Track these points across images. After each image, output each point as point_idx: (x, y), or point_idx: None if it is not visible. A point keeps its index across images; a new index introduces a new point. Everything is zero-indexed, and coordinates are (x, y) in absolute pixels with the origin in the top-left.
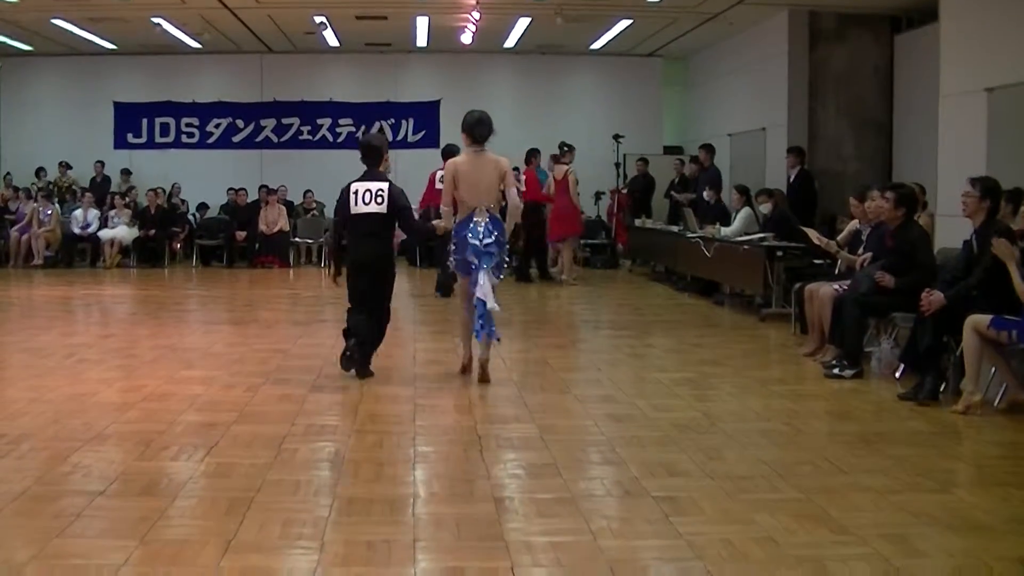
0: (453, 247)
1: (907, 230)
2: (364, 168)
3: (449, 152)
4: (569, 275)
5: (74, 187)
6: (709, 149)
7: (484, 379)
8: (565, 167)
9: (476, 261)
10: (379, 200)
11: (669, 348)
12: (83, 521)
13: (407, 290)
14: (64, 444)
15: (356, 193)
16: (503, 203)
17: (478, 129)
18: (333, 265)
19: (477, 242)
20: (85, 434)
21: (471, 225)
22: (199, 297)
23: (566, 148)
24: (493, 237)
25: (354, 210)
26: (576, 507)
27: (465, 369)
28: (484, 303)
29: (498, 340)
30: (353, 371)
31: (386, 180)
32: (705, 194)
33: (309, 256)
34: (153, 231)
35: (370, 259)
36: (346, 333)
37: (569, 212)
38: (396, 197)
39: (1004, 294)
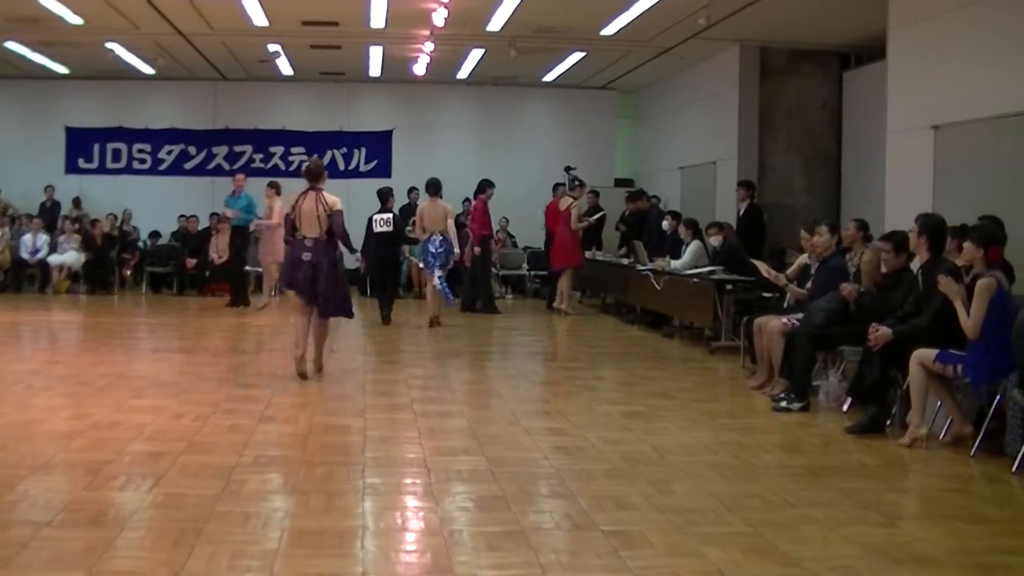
0: (421, 254)
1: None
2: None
3: (481, 188)
4: (567, 306)
5: (9, 210)
6: (642, 194)
7: (437, 324)
8: (571, 199)
9: (433, 262)
10: (387, 224)
11: (619, 380)
12: (29, 552)
13: (358, 318)
14: (10, 473)
15: (375, 220)
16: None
17: (431, 188)
18: (364, 260)
19: (433, 250)
20: (32, 463)
21: (430, 239)
22: (148, 324)
23: (577, 183)
24: (443, 249)
25: (376, 230)
26: (525, 540)
27: (432, 323)
28: (445, 283)
29: (453, 301)
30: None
31: (391, 212)
32: (664, 224)
33: (260, 285)
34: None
35: (385, 257)
36: (381, 307)
37: (568, 243)
38: (396, 222)
39: (950, 329)
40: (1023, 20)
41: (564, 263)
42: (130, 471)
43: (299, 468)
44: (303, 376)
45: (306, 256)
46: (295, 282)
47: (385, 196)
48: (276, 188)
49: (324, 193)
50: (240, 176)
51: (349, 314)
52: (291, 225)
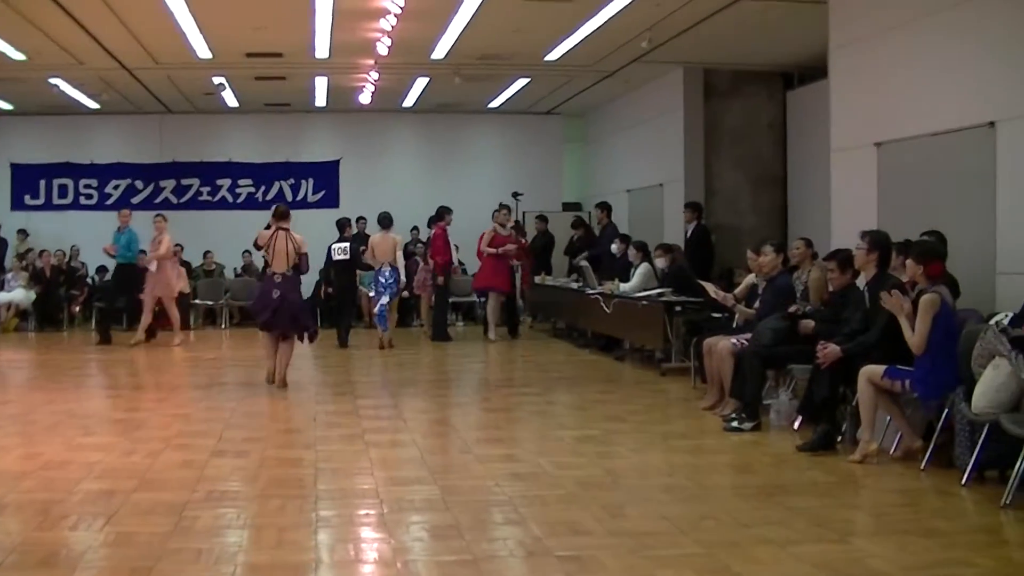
0: (372, 284)
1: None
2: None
3: (439, 215)
4: (493, 333)
5: None
6: (605, 207)
7: (390, 347)
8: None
9: (382, 291)
10: (345, 252)
11: (571, 405)
12: None
13: (309, 349)
14: None
15: (335, 248)
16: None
17: (383, 222)
18: (326, 286)
19: (383, 280)
20: None
21: (380, 270)
22: (98, 361)
23: (500, 207)
24: (392, 279)
25: (335, 257)
26: (479, 569)
27: (381, 346)
28: (384, 310)
29: (385, 330)
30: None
31: (349, 241)
32: (614, 247)
33: (212, 318)
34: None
35: (343, 283)
36: (338, 331)
37: (486, 267)
38: (353, 250)
39: (897, 345)
40: (960, 38)
41: (482, 284)
42: (81, 510)
43: (251, 502)
44: (271, 383)
45: (275, 293)
46: (268, 322)
47: (343, 226)
48: (166, 220)
49: (292, 232)
50: (126, 211)
51: (313, 336)
52: (265, 261)
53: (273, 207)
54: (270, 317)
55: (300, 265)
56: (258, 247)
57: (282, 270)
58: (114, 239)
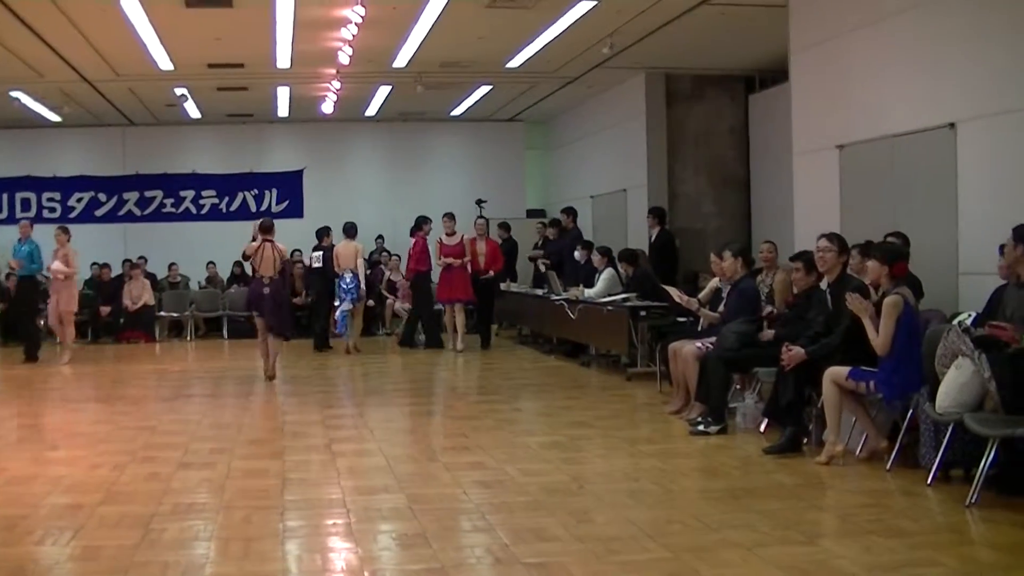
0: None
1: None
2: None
3: (418, 225)
4: (456, 343)
5: None
6: (571, 212)
7: (356, 351)
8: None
9: (344, 296)
10: (319, 261)
11: (538, 411)
12: None
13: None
14: None
15: (311, 257)
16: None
17: (349, 231)
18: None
19: (344, 286)
20: None
21: (342, 276)
22: (63, 374)
23: (445, 216)
24: (353, 285)
25: (312, 265)
26: None
27: (347, 351)
28: (345, 315)
29: (343, 334)
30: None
31: (322, 250)
32: (576, 254)
33: (178, 331)
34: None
35: (318, 289)
36: (316, 334)
37: (440, 279)
38: (325, 259)
39: (861, 346)
40: (920, 41)
41: (441, 297)
42: (47, 525)
43: (218, 514)
44: (270, 379)
45: (266, 291)
46: (261, 311)
47: (320, 235)
48: (68, 233)
49: (276, 243)
50: (24, 222)
51: (288, 335)
52: (252, 268)
53: (259, 222)
54: (262, 307)
55: (286, 269)
56: (245, 257)
57: (269, 274)
58: (14, 252)
